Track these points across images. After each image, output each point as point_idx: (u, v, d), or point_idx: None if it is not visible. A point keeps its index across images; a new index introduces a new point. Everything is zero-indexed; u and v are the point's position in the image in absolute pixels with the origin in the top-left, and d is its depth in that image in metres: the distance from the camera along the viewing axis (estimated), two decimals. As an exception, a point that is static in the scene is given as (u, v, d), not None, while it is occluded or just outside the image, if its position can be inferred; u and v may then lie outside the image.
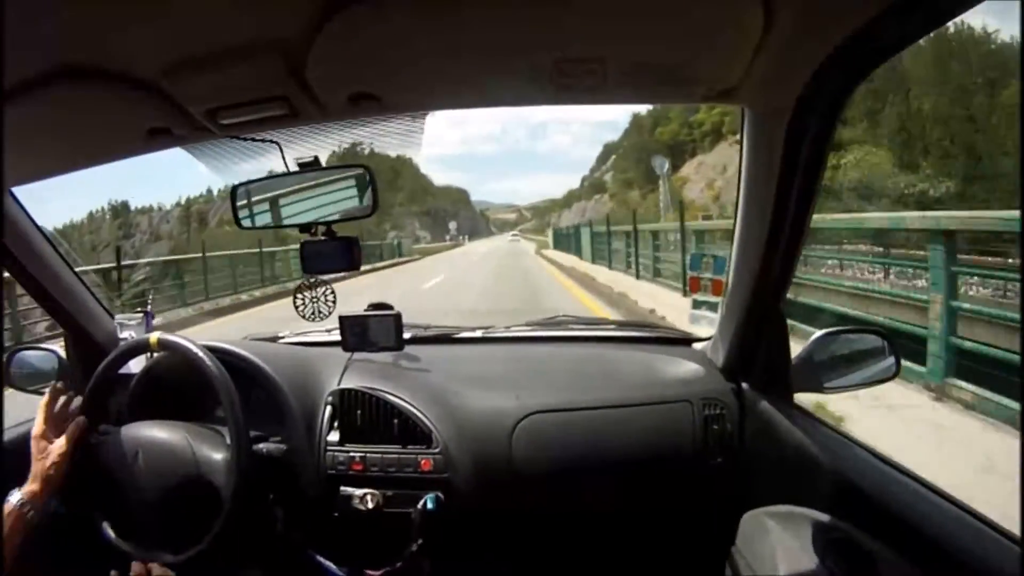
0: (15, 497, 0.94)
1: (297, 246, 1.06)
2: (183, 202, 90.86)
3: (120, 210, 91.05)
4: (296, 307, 1.19)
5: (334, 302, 1.19)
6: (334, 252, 1.04)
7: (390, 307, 1.29)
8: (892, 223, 6.11)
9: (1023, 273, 4.22)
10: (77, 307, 1.27)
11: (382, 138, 0.94)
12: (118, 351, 1.09)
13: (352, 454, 1.13)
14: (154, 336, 1.06)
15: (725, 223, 9.52)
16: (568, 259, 20.98)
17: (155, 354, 1.18)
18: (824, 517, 0.83)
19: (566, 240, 27.80)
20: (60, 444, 1.00)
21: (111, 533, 0.99)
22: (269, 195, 1.05)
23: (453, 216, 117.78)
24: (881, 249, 8.40)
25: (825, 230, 7.32)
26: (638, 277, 11.99)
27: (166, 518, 0.97)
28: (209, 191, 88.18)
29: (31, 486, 0.96)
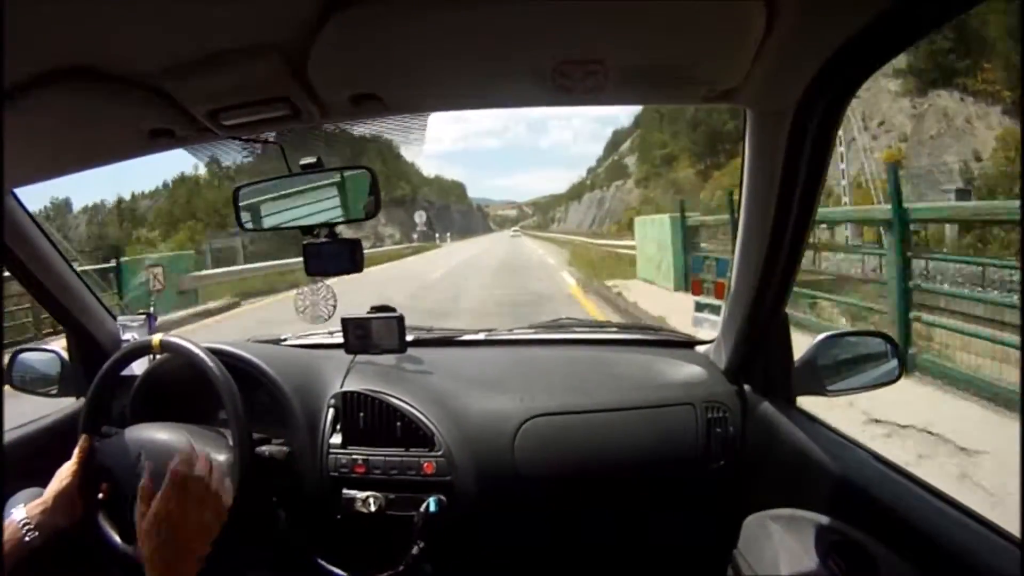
0: (19, 515, 0.90)
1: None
2: (123, 198, 67.45)
3: (62, 208, 68.24)
4: (296, 308, 1.19)
5: (334, 304, 1.19)
6: (336, 254, 1.04)
7: (392, 309, 1.29)
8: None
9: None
10: (79, 308, 1.28)
11: (384, 137, 0.95)
12: (120, 353, 1.09)
13: (355, 457, 1.13)
14: (156, 338, 1.06)
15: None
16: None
17: (157, 356, 1.18)
18: (826, 520, 0.83)
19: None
20: (68, 464, 0.98)
21: (113, 535, 0.98)
22: (271, 196, 1.05)
23: (441, 210, 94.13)
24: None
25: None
26: None
27: None
28: (166, 184, 68.98)
29: (40, 502, 0.92)
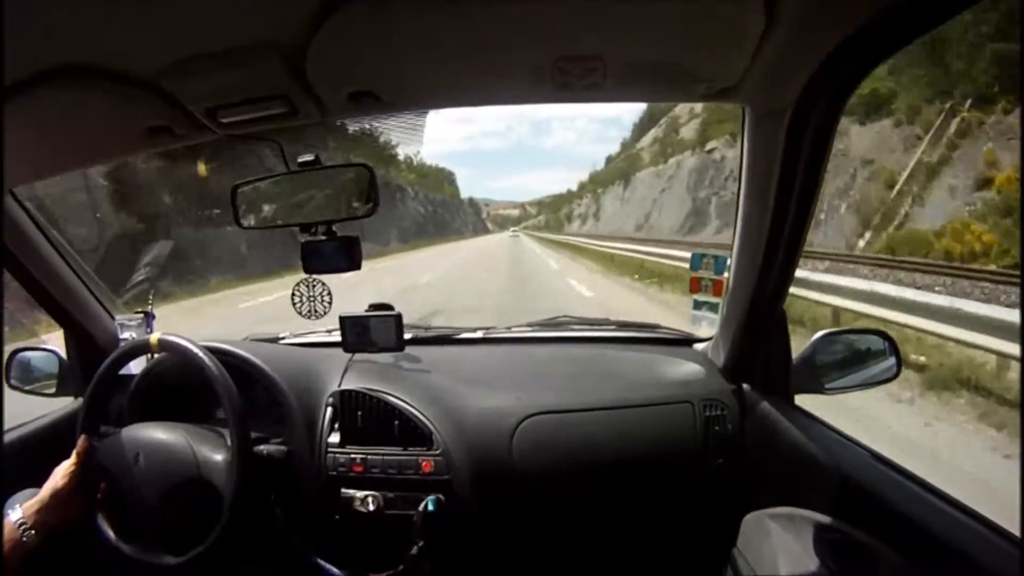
0: (15, 515, 0.89)
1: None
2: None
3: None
4: (294, 305, 1.19)
5: (330, 301, 1.19)
6: (334, 252, 1.04)
7: (390, 307, 1.29)
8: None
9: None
10: (78, 308, 1.27)
11: (384, 134, 0.94)
12: (118, 352, 1.09)
13: (353, 456, 1.13)
14: (155, 337, 1.05)
15: None
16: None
17: (155, 355, 1.18)
18: (825, 518, 0.83)
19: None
20: (67, 462, 0.98)
21: (111, 535, 0.98)
22: (269, 194, 1.05)
23: (390, 200, 47.58)
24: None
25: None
26: None
27: (167, 520, 0.97)
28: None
29: (37, 501, 0.92)
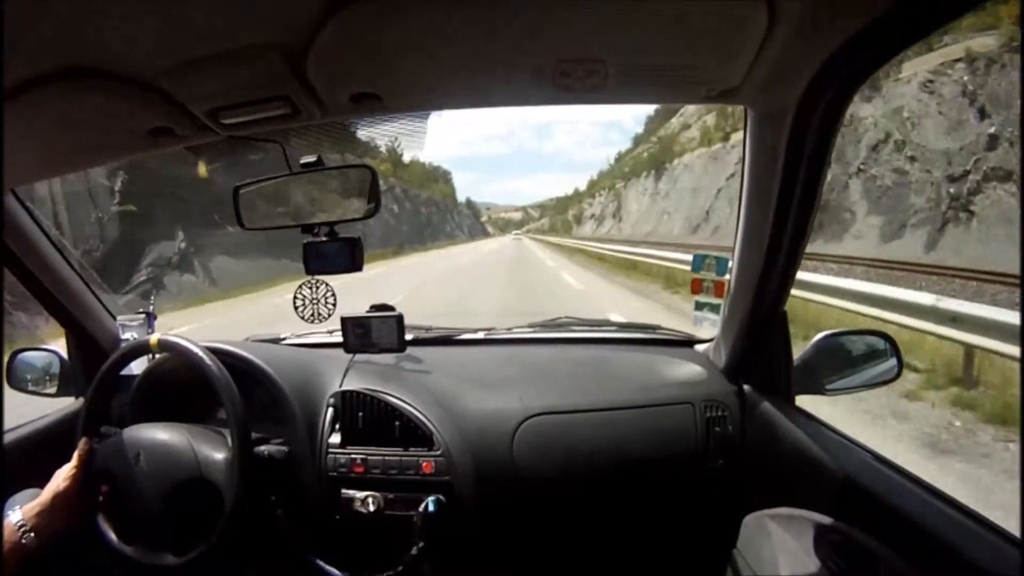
0: (15, 517, 0.89)
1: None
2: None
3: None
4: (296, 309, 1.19)
5: (334, 304, 1.19)
6: (336, 253, 1.04)
7: (392, 308, 1.29)
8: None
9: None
10: (79, 308, 1.27)
11: (385, 136, 0.93)
12: (120, 352, 1.09)
13: (353, 456, 1.13)
14: (155, 337, 1.06)
15: None
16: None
17: (157, 355, 1.18)
18: (825, 519, 0.83)
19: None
20: (68, 466, 0.98)
21: (112, 535, 0.98)
22: (271, 196, 1.05)
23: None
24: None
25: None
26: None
27: (168, 520, 0.97)
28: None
29: (37, 503, 0.92)
